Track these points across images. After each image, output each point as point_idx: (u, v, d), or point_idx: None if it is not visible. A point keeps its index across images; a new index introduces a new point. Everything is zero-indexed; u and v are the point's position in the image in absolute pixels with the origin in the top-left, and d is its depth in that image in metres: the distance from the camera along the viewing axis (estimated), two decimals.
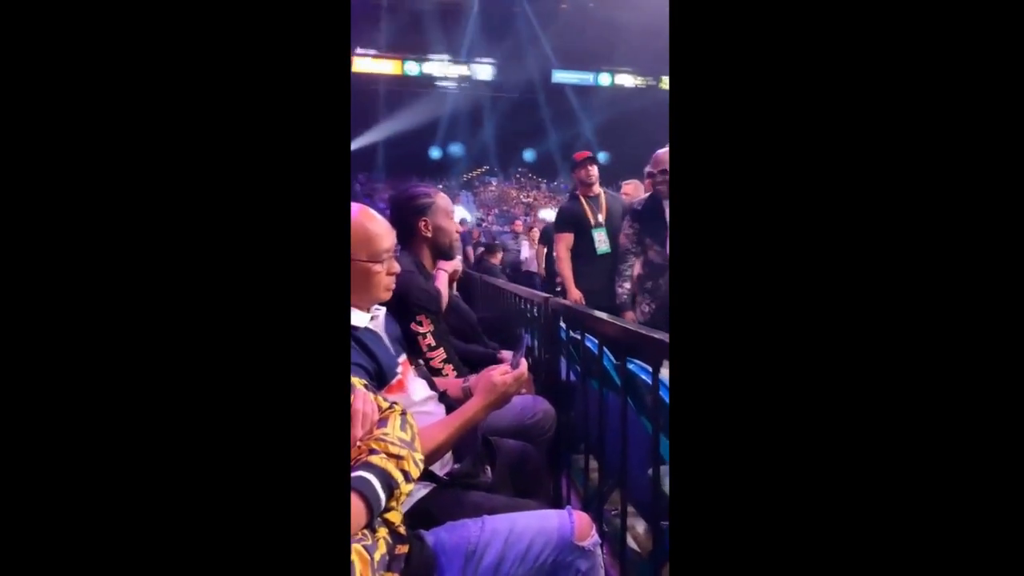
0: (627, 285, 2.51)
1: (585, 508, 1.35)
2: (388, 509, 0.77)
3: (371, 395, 0.83)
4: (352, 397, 0.79)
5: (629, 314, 2.43)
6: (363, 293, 1.08)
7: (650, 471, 1.10)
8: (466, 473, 1.12)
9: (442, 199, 1.68)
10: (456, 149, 17.52)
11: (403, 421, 0.81)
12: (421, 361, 1.32)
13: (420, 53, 17.15)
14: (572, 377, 1.68)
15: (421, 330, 1.47)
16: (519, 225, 8.33)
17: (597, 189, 2.91)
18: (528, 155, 17.55)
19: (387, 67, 16.93)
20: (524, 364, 1.11)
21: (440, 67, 17.61)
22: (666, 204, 2.38)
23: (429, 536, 0.91)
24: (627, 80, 18.32)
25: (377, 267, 1.08)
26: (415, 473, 0.77)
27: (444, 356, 1.49)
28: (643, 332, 1.10)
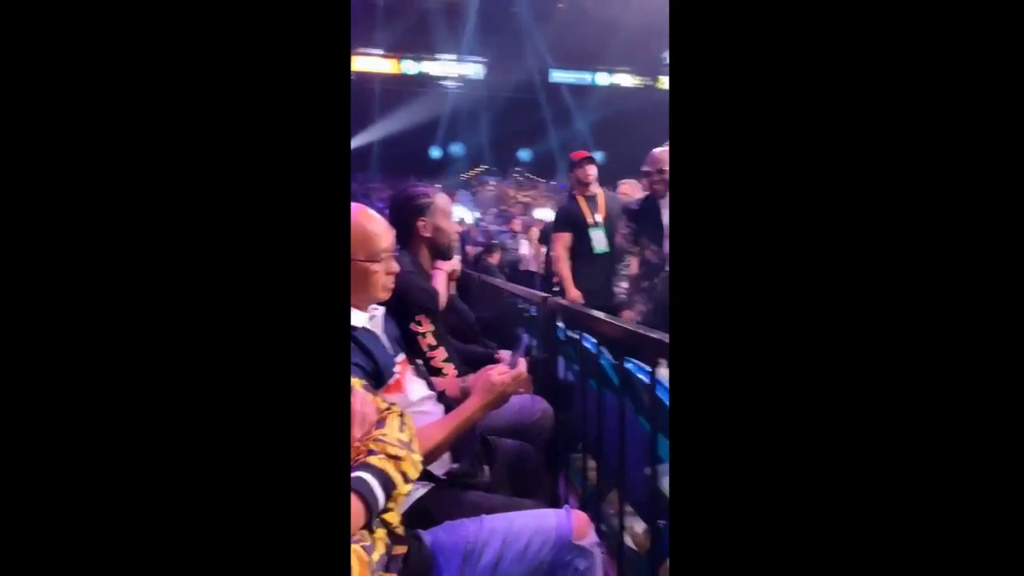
0: (624, 285, 2.52)
1: (583, 507, 1.36)
2: (386, 510, 0.77)
3: (369, 396, 0.83)
4: (351, 397, 0.79)
5: (627, 313, 2.44)
6: (361, 293, 1.08)
7: (648, 470, 1.10)
8: (464, 473, 1.12)
9: (441, 199, 1.68)
10: (457, 149, 17.50)
11: (401, 422, 0.81)
12: (419, 361, 1.32)
13: (417, 52, 17.13)
14: (570, 377, 1.69)
15: (421, 330, 1.47)
16: (517, 224, 8.33)
17: (595, 189, 2.91)
18: (524, 154, 17.54)
19: (384, 66, 16.91)
20: (522, 363, 1.11)
21: (437, 66, 17.60)
22: (662, 203, 2.39)
23: (427, 536, 0.91)
24: (624, 80, 18.33)
25: (375, 267, 1.08)
26: (413, 474, 0.77)
27: (445, 355, 1.49)
28: (641, 332, 1.10)
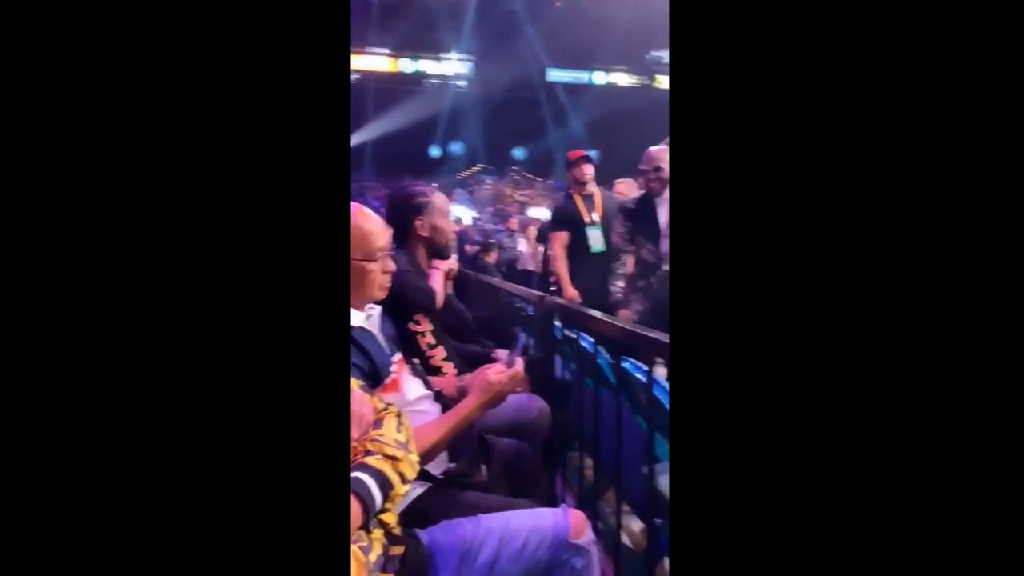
0: (620, 284, 2.52)
1: (580, 506, 1.36)
2: (383, 510, 0.77)
3: (367, 396, 0.83)
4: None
5: (623, 312, 2.44)
6: (358, 292, 1.08)
7: (644, 469, 1.10)
8: (462, 472, 1.12)
9: (439, 198, 1.68)
10: (456, 148, 17.47)
11: (399, 423, 0.81)
12: (416, 360, 1.32)
13: (414, 50, 17.09)
14: (567, 376, 1.69)
15: (420, 329, 1.47)
16: (514, 223, 8.33)
17: (592, 188, 2.92)
18: (519, 153, 17.52)
19: (381, 64, 16.87)
20: (519, 363, 1.11)
21: (434, 64, 17.58)
22: (658, 202, 2.39)
23: (424, 535, 0.91)
24: (621, 79, 18.36)
25: (371, 266, 1.08)
26: (411, 475, 0.77)
27: (444, 354, 1.49)
28: (637, 331, 1.11)
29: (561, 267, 2.87)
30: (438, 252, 1.68)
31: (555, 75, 18.25)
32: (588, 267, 2.81)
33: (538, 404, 1.57)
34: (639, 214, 2.44)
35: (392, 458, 0.75)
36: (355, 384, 0.84)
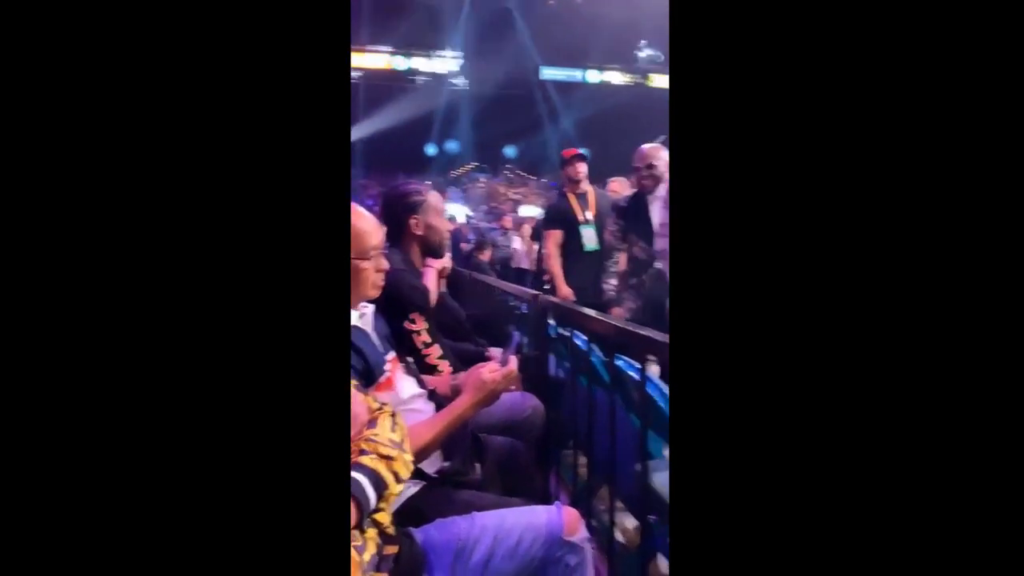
0: (613, 282, 2.52)
1: (574, 503, 1.36)
2: (378, 510, 0.77)
3: (360, 395, 0.83)
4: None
5: (616, 310, 2.45)
6: (351, 290, 1.08)
7: (638, 466, 1.11)
8: (456, 471, 1.12)
9: (434, 197, 1.67)
10: (453, 146, 17.40)
11: (393, 422, 0.81)
12: (410, 359, 1.32)
13: (407, 48, 17.02)
14: (561, 374, 1.69)
15: (415, 327, 1.47)
16: (508, 221, 8.32)
17: (585, 186, 2.92)
18: (510, 151, 17.48)
19: (374, 61, 16.79)
20: (513, 361, 1.11)
21: (427, 62, 17.52)
22: (650, 199, 2.39)
23: (418, 534, 0.91)
24: (615, 77, 18.37)
25: (365, 264, 1.08)
26: (405, 474, 0.77)
27: (440, 353, 1.49)
28: (631, 329, 1.11)
29: (555, 265, 2.87)
30: (432, 251, 1.68)
31: (549, 73, 18.23)
32: (582, 265, 2.81)
33: (532, 402, 1.57)
34: (631, 212, 2.44)
35: (386, 457, 0.75)
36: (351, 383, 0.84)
